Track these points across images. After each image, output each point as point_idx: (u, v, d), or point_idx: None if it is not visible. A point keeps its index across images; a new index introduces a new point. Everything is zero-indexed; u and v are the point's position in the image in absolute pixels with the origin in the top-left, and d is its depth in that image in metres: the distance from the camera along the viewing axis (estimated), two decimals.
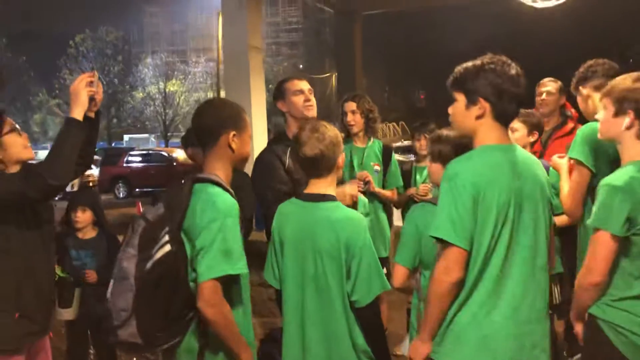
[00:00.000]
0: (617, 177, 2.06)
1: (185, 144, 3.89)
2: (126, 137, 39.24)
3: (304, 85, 3.09)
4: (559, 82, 3.84)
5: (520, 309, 1.91)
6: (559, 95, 3.82)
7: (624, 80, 2.13)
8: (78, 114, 2.35)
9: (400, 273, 2.39)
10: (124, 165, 18.52)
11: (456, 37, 39.75)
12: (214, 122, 2.06)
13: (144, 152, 20.16)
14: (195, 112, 2.13)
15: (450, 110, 2.03)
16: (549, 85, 3.84)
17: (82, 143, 2.40)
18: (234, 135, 2.04)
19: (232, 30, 5.25)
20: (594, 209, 2.08)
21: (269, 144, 3.34)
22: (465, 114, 1.96)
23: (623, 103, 2.09)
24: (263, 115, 5.39)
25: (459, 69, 1.99)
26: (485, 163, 1.91)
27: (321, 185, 2.26)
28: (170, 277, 1.86)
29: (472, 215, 1.86)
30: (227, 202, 1.94)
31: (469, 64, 1.97)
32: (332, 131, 2.28)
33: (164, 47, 44.81)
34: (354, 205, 2.65)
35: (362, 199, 2.79)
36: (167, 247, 1.87)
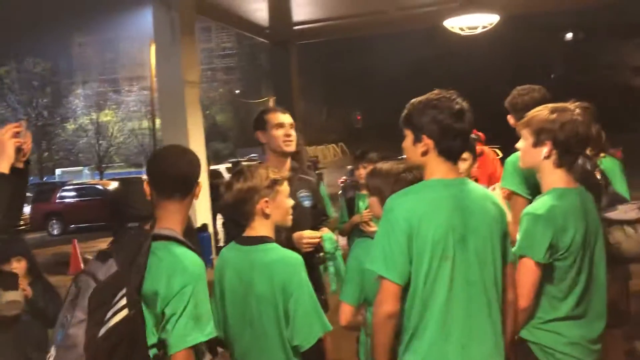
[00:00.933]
0: (539, 206, 2.12)
1: None
2: (58, 171, 37.71)
3: (286, 119, 3.03)
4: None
5: (470, 347, 1.89)
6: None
7: (542, 112, 2.20)
8: (4, 167, 2.22)
9: (346, 311, 2.36)
10: (57, 201, 17.81)
11: (390, 61, 40.86)
12: (191, 171, 1.94)
13: (78, 186, 19.46)
14: (166, 159, 1.96)
15: (402, 145, 2.05)
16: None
17: (9, 197, 2.26)
18: (198, 185, 1.98)
19: (166, 65, 5.15)
20: (518, 237, 2.13)
21: None
22: (413, 149, 1.98)
23: (541, 134, 2.15)
24: (202, 152, 5.30)
25: (407, 105, 2.01)
26: (422, 199, 1.92)
27: (256, 228, 2.23)
28: (127, 345, 1.69)
29: (405, 250, 1.87)
30: (196, 263, 1.81)
31: (416, 100, 1.99)
32: (255, 177, 2.24)
33: (94, 76, 43.64)
34: (319, 247, 2.76)
35: (328, 235, 2.81)
36: (125, 312, 1.68)
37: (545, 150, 2.14)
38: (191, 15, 5.23)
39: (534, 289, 2.08)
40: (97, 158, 36.14)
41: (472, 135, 4.14)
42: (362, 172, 4.11)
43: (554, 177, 2.17)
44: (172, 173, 1.90)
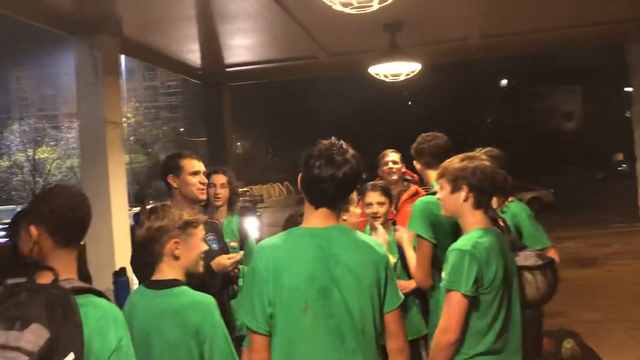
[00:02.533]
0: (465, 243, 2.24)
1: None
2: None
3: (202, 167, 3.03)
4: (398, 152, 4.20)
5: None
6: (401, 163, 4.18)
7: (453, 161, 2.40)
8: None
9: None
10: None
11: (335, 102, 41.65)
12: (88, 216, 1.77)
13: (7, 225, 18.59)
14: (67, 204, 1.73)
15: None
16: (391, 155, 4.21)
17: None
18: None
19: (88, 104, 5.04)
20: (445, 272, 2.23)
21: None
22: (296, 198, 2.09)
23: (457, 181, 2.34)
24: (123, 194, 5.16)
25: None
26: (285, 248, 1.95)
27: (165, 271, 2.17)
28: None
29: (265, 299, 1.90)
30: (120, 314, 1.68)
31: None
32: (167, 217, 2.20)
33: (33, 112, 42.29)
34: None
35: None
36: None
37: (463, 194, 2.32)
38: (115, 54, 5.17)
39: (460, 323, 2.17)
40: (32, 196, 34.72)
41: (408, 177, 4.28)
42: None
43: (474, 219, 2.34)
44: (73, 218, 1.71)
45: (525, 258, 2.56)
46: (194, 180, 2.97)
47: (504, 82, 49.91)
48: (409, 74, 5.63)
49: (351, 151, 1.99)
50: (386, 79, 5.63)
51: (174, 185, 3.00)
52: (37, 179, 35.62)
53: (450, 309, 2.16)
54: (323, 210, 1.97)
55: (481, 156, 2.43)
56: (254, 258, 1.96)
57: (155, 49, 6.04)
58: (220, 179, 3.73)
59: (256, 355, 1.92)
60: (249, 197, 35.09)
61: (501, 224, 2.75)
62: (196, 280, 2.43)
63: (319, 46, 5.97)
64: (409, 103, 36.48)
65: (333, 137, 2.03)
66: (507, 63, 41.89)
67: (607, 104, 44.51)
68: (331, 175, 1.91)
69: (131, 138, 38.92)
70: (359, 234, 2.09)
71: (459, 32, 5.84)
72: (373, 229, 3.34)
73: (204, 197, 3.03)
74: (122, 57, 7.30)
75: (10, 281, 1.55)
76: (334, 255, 1.92)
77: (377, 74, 5.57)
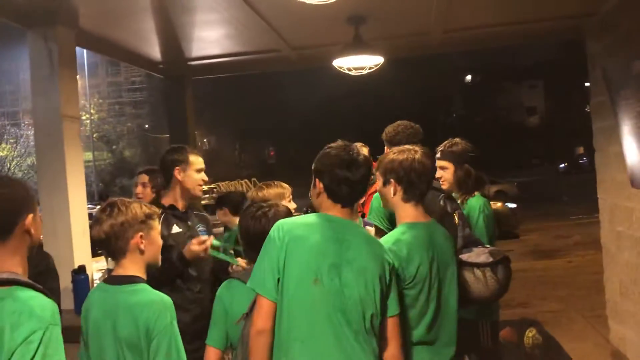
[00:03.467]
0: (386, 240, 2.31)
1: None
2: None
3: (204, 165, 3.20)
4: (367, 147, 4.14)
5: None
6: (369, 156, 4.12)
7: (388, 155, 2.45)
8: None
9: (211, 355, 2.36)
10: None
11: (303, 97, 41.55)
12: (9, 207, 1.70)
13: None
14: None
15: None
16: (362, 150, 4.12)
17: None
18: (32, 218, 1.75)
19: (43, 99, 4.87)
20: None
21: None
22: (313, 191, 2.20)
23: (386, 174, 2.40)
24: (82, 189, 5.02)
25: None
26: (302, 223, 2.08)
27: (127, 266, 2.13)
28: None
29: (276, 268, 2.01)
30: (46, 307, 1.60)
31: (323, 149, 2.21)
32: (130, 211, 2.15)
33: None
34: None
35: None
36: None
37: (391, 188, 2.36)
38: (71, 47, 5.01)
39: None
40: None
41: (373, 170, 4.28)
42: None
43: (404, 212, 2.38)
44: None
45: (477, 255, 2.59)
46: (198, 177, 3.14)
47: (469, 77, 50.62)
48: (372, 68, 5.63)
49: (363, 151, 2.22)
50: (350, 72, 5.62)
51: (179, 178, 3.11)
52: None
53: None
54: (341, 208, 2.13)
55: (415, 148, 2.44)
56: (272, 232, 2.08)
57: (113, 42, 5.90)
58: (141, 178, 4.15)
59: (260, 322, 2.01)
60: (216, 193, 34.91)
61: (456, 218, 2.78)
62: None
63: (282, 39, 5.92)
64: (375, 97, 36.64)
65: (339, 140, 2.22)
66: (472, 59, 42.56)
67: (568, 99, 45.65)
68: (359, 179, 2.11)
69: (95, 135, 38.14)
70: (371, 235, 2.27)
71: (421, 26, 5.87)
72: None
73: (200, 194, 3.21)
74: (84, 51, 7.12)
75: None
76: (347, 241, 2.04)
77: (340, 67, 5.56)
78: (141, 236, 2.14)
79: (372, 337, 2.03)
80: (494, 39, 6.65)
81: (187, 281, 3.02)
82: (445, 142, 3.26)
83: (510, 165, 38.39)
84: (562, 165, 38.52)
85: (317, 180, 2.15)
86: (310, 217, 2.14)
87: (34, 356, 1.49)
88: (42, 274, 3.01)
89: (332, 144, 2.18)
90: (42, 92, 4.91)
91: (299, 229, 2.06)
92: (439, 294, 2.30)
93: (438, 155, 3.20)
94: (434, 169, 2.59)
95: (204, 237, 2.98)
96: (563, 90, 46.40)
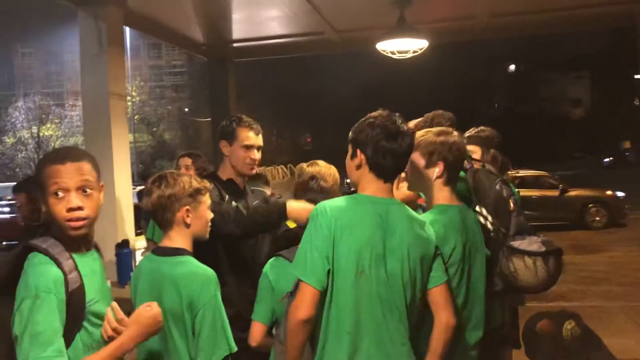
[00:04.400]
0: (423, 218, 2.22)
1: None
2: None
3: (258, 140, 2.85)
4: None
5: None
6: None
7: (428, 135, 2.33)
8: None
9: (257, 330, 2.35)
10: None
11: (341, 84, 41.39)
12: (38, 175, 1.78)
13: (13, 202, 18.67)
14: None
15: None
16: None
17: None
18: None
19: (92, 76, 5.00)
20: None
21: None
22: (350, 163, 2.05)
23: (432, 155, 2.28)
24: (126, 165, 5.14)
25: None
26: (348, 209, 1.96)
27: (174, 238, 2.16)
28: None
29: (324, 256, 1.90)
30: (41, 276, 1.65)
31: (362, 119, 2.05)
32: (178, 184, 2.17)
33: (37, 89, 42.21)
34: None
35: None
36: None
37: (437, 170, 2.27)
38: (119, 26, 5.12)
39: None
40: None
41: None
42: None
43: (441, 194, 2.31)
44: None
45: (530, 243, 2.53)
46: (244, 154, 2.81)
47: (512, 67, 49.46)
48: (416, 51, 5.56)
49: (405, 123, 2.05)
50: (393, 56, 5.56)
51: (225, 152, 2.86)
52: (41, 156, 35.71)
53: None
54: (382, 180, 2.01)
55: (453, 131, 2.39)
56: (317, 215, 1.95)
57: (159, 22, 5.97)
58: (184, 161, 4.04)
59: (304, 310, 1.88)
60: (261, 183, 35.13)
61: (511, 204, 2.71)
62: None
63: (326, 22, 5.89)
64: (414, 86, 36.22)
65: (380, 109, 2.06)
66: (515, 48, 41.55)
67: (615, 92, 44.18)
68: (392, 148, 1.96)
69: (135, 117, 38.88)
70: (413, 212, 2.11)
71: (467, 10, 5.77)
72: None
73: (250, 172, 2.88)
74: (127, 34, 7.24)
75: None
76: (391, 227, 1.96)
77: (384, 51, 5.51)
78: (187, 210, 2.15)
79: (411, 320, 2.00)
80: (541, 25, 6.49)
81: (240, 275, 2.78)
82: (472, 128, 3.25)
83: (553, 157, 37.47)
84: (607, 160, 37.44)
85: (358, 151, 2.00)
86: (353, 201, 2.00)
87: (26, 322, 1.60)
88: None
89: (374, 113, 2.03)
90: (90, 70, 5.02)
91: (345, 216, 1.95)
92: (469, 277, 2.26)
93: (466, 140, 3.15)
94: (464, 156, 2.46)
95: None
96: (610, 82, 44.96)
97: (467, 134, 3.16)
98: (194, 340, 2.02)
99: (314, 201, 2.32)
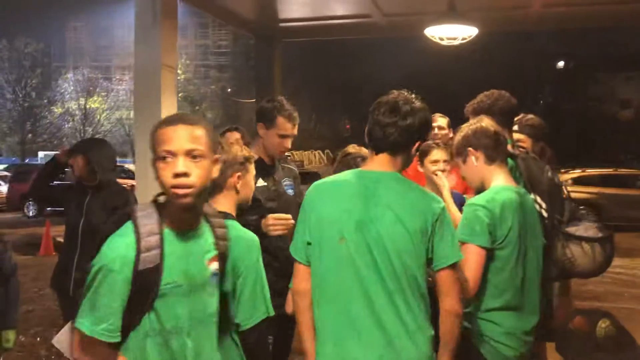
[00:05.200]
0: (479, 198, 2.28)
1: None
2: (41, 153, 37.34)
3: (294, 131, 2.97)
4: (447, 118, 4.09)
5: (352, 338, 1.94)
6: (448, 129, 4.03)
7: (457, 136, 2.45)
8: None
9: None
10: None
11: (380, 70, 41.01)
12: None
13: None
14: None
15: None
16: (439, 121, 4.04)
17: None
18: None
19: (145, 47, 5.13)
20: (460, 225, 2.24)
21: None
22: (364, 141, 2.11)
23: (460, 150, 2.39)
24: None
25: None
26: (330, 184, 2.06)
27: (221, 202, 2.23)
28: None
29: (307, 231, 2.03)
30: (110, 249, 1.61)
31: None
32: (231, 152, 2.27)
33: (86, 62, 43.25)
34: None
35: None
36: None
37: (472, 158, 2.36)
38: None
39: (479, 275, 2.17)
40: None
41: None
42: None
43: (492, 175, 2.34)
44: None
45: (586, 229, 2.52)
46: (280, 141, 2.95)
47: (561, 64, 48.11)
48: (465, 39, 5.52)
49: (418, 102, 2.03)
50: (441, 42, 5.53)
51: (261, 133, 2.99)
52: (87, 127, 36.65)
53: (468, 261, 2.14)
54: (383, 156, 2.02)
55: (479, 117, 2.45)
56: (306, 194, 2.07)
57: None
58: (233, 135, 3.85)
59: (298, 284, 2.05)
60: (290, 161, 35.41)
61: (564, 190, 2.71)
62: None
63: (375, 4, 5.89)
64: (459, 76, 35.68)
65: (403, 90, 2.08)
66: (564, 44, 40.35)
67: None
68: (394, 122, 1.97)
69: (179, 94, 39.48)
70: (417, 186, 2.07)
71: None
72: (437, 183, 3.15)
73: (280, 156, 3.06)
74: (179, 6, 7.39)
75: None
76: (377, 196, 1.96)
77: (432, 36, 5.48)
78: (238, 176, 2.24)
79: (417, 295, 1.93)
80: (595, 18, 6.34)
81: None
82: (519, 116, 3.15)
83: (600, 159, 36.42)
84: None
85: (366, 127, 2.09)
86: (341, 175, 2.09)
87: (89, 286, 1.61)
88: (115, 209, 3.16)
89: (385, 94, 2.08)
90: (143, 41, 5.15)
91: (327, 187, 2.05)
92: (524, 260, 2.26)
93: (515, 127, 3.07)
94: (499, 133, 2.43)
95: (284, 216, 2.62)
96: None
97: (515, 119, 3.09)
98: (234, 301, 2.07)
99: None
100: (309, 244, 2.01)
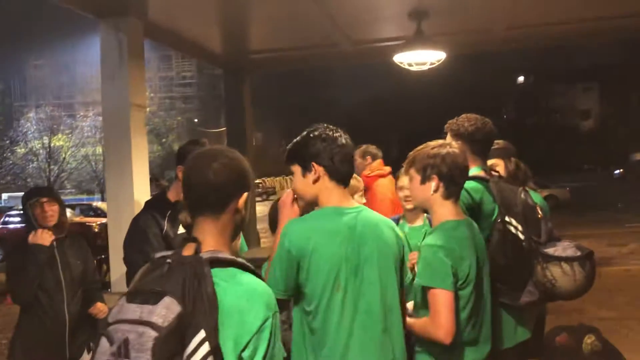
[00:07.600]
0: (437, 237, 2.19)
1: None
2: (5, 195, 36.35)
3: None
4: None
5: None
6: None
7: (423, 150, 2.30)
8: None
9: None
10: (0, 226, 17.10)
11: (349, 96, 41.58)
12: (228, 182, 1.53)
13: (22, 211, 18.75)
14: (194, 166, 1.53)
15: (293, 184, 2.10)
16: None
17: None
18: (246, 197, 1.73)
19: (112, 87, 5.05)
20: (419, 268, 2.18)
21: (146, 206, 3.16)
22: (304, 182, 2.02)
23: (426, 170, 2.24)
24: (145, 176, 5.18)
25: (289, 146, 2.07)
26: (318, 228, 1.96)
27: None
28: None
29: (290, 277, 1.93)
30: (265, 290, 1.45)
31: (297, 138, 2.05)
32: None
33: (49, 100, 42.58)
34: None
35: None
36: None
37: (433, 184, 2.23)
38: (140, 38, 5.17)
39: (453, 317, 2.09)
40: (47, 183, 34.98)
41: None
42: None
43: (444, 210, 2.27)
44: (196, 182, 1.50)
45: (564, 249, 2.49)
46: None
47: (521, 78, 49.38)
48: (433, 63, 5.59)
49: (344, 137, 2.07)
50: (411, 68, 5.58)
51: (180, 176, 2.86)
52: (52, 166, 35.92)
53: (441, 306, 2.09)
54: (342, 187, 2.03)
55: (451, 143, 2.35)
56: (285, 234, 1.95)
57: (178, 34, 6.04)
58: None
59: None
60: (262, 188, 35.30)
61: (538, 211, 2.68)
62: None
63: (343, 34, 5.93)
64: (422, 97, 36.27)
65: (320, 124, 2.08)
66: (524, 59, 41.53)
67: (625, 103, 44.03)
68: (347, 153, 2.02)
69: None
70: (376, 213, 2.12)
71: (485, 22, 5.79)
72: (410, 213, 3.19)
73: None
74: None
75: (157, 255, 1.41)
76: (362, 235, 1.96)
77: (401, 63, 5.53)
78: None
79: (400, 325, 2.02)
80: (558, 37, 6.50)
81: None
82: None
83: (563, 169, 37.29)
84: (617, 171, 37.22)
85: (313, 164, 1.99)
86: (324, 217, 1.99)
87: (268, 344, 1.37)
88: None
89: (310, 128, 2.05)
90: (111, 81, 5.07)
91: (317, 234, 1.94)
92: (480, 292, 2.24)
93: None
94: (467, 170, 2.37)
95: None
96: (620, 93, 44.79)
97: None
98: None
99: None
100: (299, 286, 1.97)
